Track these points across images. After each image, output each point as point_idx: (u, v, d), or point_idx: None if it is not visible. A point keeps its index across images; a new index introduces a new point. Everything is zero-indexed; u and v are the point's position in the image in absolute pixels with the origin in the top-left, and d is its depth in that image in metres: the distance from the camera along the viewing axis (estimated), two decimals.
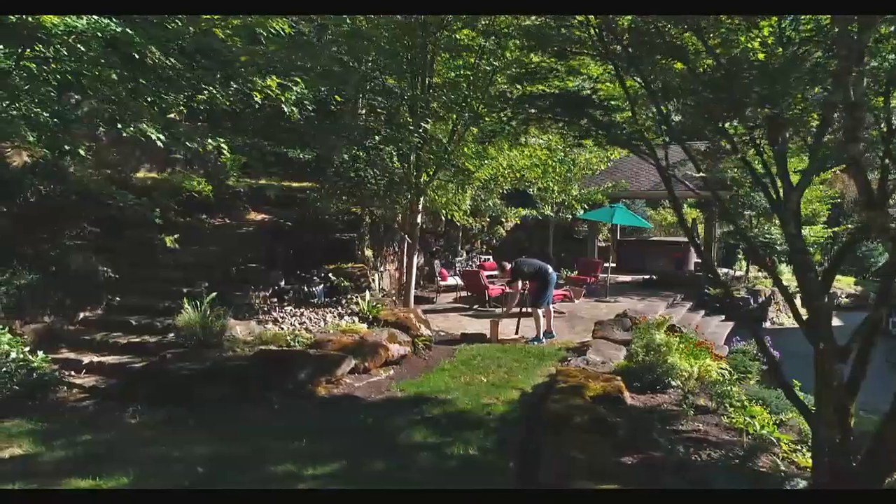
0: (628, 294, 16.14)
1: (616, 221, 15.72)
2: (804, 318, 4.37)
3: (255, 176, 14.67)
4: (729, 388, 6.18)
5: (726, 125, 5.27)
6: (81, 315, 8.69)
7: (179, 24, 5.95)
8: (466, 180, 10.99)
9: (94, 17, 5.38)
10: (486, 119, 9.54)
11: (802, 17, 4.62)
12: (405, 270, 14.16)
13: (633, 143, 5.02)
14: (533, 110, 5.06)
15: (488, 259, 17.55)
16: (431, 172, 10.63)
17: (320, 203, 11.77)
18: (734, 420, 5.70)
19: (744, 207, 17.24)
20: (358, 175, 10.86)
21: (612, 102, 5.28)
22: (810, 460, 4.97)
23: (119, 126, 6.73)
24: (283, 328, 8.39)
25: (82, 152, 6.44)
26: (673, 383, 6.84)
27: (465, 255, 17.91)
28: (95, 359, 7.61)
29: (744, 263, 20.69)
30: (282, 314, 9.07)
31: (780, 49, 4.56)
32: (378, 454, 5.26)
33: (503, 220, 18.08)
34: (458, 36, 9.91)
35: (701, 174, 5.25)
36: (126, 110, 6.88)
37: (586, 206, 18.26)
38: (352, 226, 12.37)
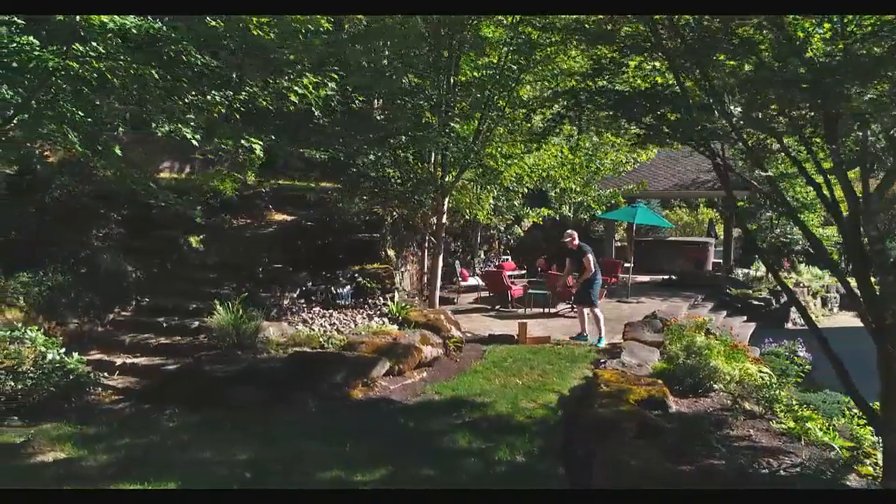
0: (649, 294, 16.00)
1: (638, 221, 15.60)
2: (869, 320, 4.24)
3: (272, 176, 14.66)
4: (777, 392, 6.05)
5: (781, 121, 5.17)
6: (111, 316, 8.66)
7: (221, 23, 5.88)
8: (494, 180, 10.88)
9: (130, 16, 5.34)
10: (522, 120, 9.41)
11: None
12: (426, 271, 14.10)
13: (701, 141, 4.89)
14: (602, 111, 4.93)
15: (507, 259, 17.46)
16: (456, 173, 10.55)
17: (342, 203, 11.71)
18: (787, 426, 5.58)
19: (766, 208, 17.06)
20: (384, 175, 10.79)
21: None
22: (870, 468, 4.87)
23: (154, 126, 6.69)
24: (313, 329, 8.33)
25: (118, 151, 6.39)
26: (715, 387, 6.71)
27: (482, 255, 17.82)
28: (128, 360, 7.57)
29: (759, 264, 20.51)
30: (310, 315, 9.01)
31: (842, 44, 4.44)
32: (424, 459, 5.17)
33: (521, 220, 17.98)
34: (484, 33, 9.81)
35: (766, 174, 5.09)
36: (161, 110, 6.84)
37: (605, 207, 18.17)
38: (374, 226, 12.29)
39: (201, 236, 10.88)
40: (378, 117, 10.60)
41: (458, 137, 10.03)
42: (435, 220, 12.40)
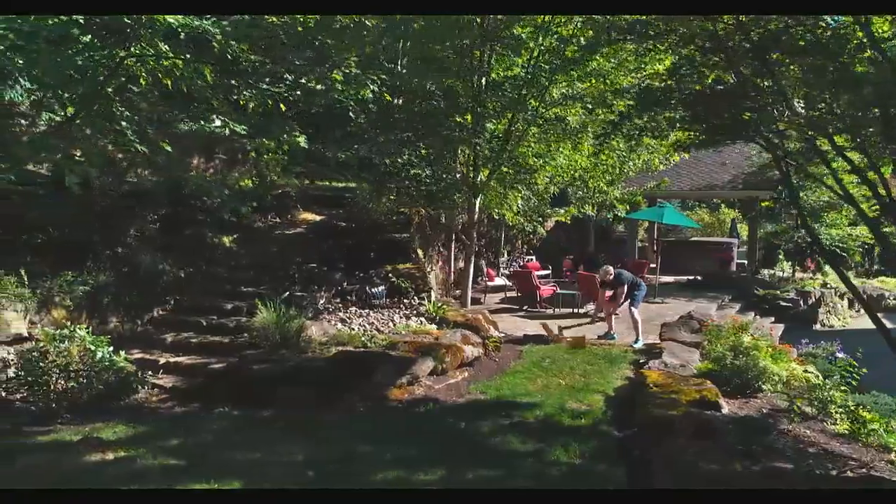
0: (675, 295, 15.90)
1: (666, 221, 15.49)
2: None
3: (300, 175, 14.71)
4: (831, 392, 5.99)
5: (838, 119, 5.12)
6: (150, 315, 8.70)
7: (275, 19, 5.90)
8: (528, 179, 10.85)
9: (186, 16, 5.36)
10: (555, 120, 9.38)
11: None
12: (454, 270, 14.10)
13: (772, 139, 4.86)
14: (673, 111, 4.91)
15: (531, 259, 17.41)
16: (487, 172, 10.54)
17: (371, 203, 11.73)
18: (843, 428, 5.52)
19: (790, 207, 16.91)
20: (415, 175, 10.79)
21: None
22: None
23: (202, 123, 6.71)
24: (353, 329, 8.34)
25: (168, 148, 6.42)
26: (764, 387, 6.66)
27: (505, 255, 17.78)
28: (171, 359, 7.61)
29: (785, 264, 20.35)
30: (347, 315, 9.02)
31: None
32: (480, 461, 5.15)
33: (545, 220, 17.93)
34: (515, 31, 9.78)
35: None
36: (210, 107, 6.89)
37: (628, 206, 18.08)
38: (402, 226, 12.29)
39: (234, 236, 10.93)
40: (413, 113, 10.55)
41: (491, 136, 10.02)
42: (465, 220, 12.41)
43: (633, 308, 9.82)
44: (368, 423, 6.10)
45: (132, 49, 4.99)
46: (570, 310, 12.97)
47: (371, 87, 7.34)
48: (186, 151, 13.18)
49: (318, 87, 6.77)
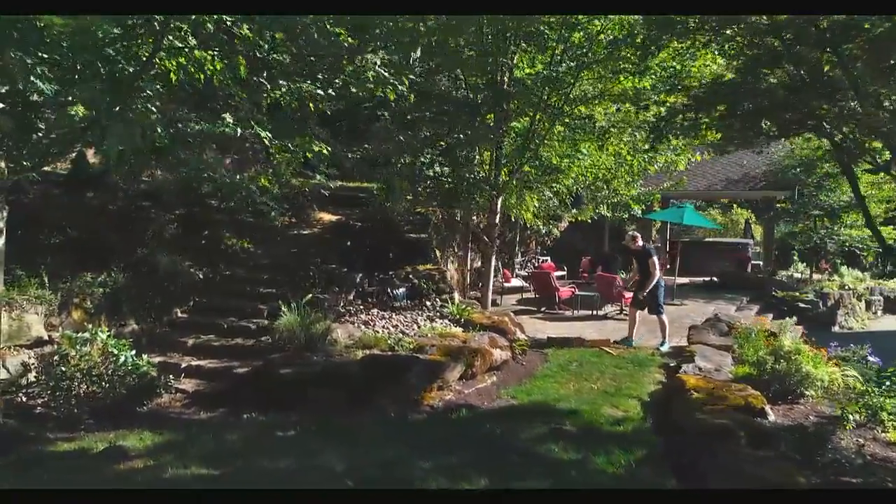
0: (692, 297, 15.74)
1: (687, 222, 15.32)
2: None
3: (310, 176, 14.52)
4: (882, 399, 5.79)
5: None
6: (170, 317, 8.52)
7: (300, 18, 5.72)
8: (552, 179, 10.66)
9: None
10: (584, 118, 9.16)
11: None
12: (470, 271, 13.91)
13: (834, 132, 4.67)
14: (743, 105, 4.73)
15: (546, 260, 17.23)
16: (508, 171, 10.36)
17: (390, 203, 11.54)
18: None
19: (810, 207, 16.72)
20: (435, 174, 10.61)
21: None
22: None
23: (222, 123, 6.54)
24: (377, 331, 8.14)
25: (182, 150, 6.24)
26: (807, 393, 6.46)
27: (519, 256, 17.60)
28: (193, 362, 7.43)
29: (800, 265, 20.14)
30: (370, 317, 8.83)
31: None
32: (525, 470, 4.96)
33: (559, 220, 17.75)
34: (540, 27, 9.57)
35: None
36: (233, 107, 6.71)
37: (643, 206, 17.88)
38: (420, 226, 12.12)
39: (251, 236, 10.76)
40: (434, 111, 10.34)
41: (516, 135, 9.83)
42: (485, 220, 12.22)
43: (659, 313, 9.57)
44: (404, 428, 5.91)
45: (164, 42, 4.81)
46: (590, 311, 12.79)
47: (400, 87, 7.12)
48: (201, 150, 13.07)
49: (352, 89, 6.57)
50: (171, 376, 7.02)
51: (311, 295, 7.92)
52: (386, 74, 6.45)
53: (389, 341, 7.50)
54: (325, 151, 7.14)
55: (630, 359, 8.76)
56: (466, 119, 9.93)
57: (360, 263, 10.50)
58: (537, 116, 10.03)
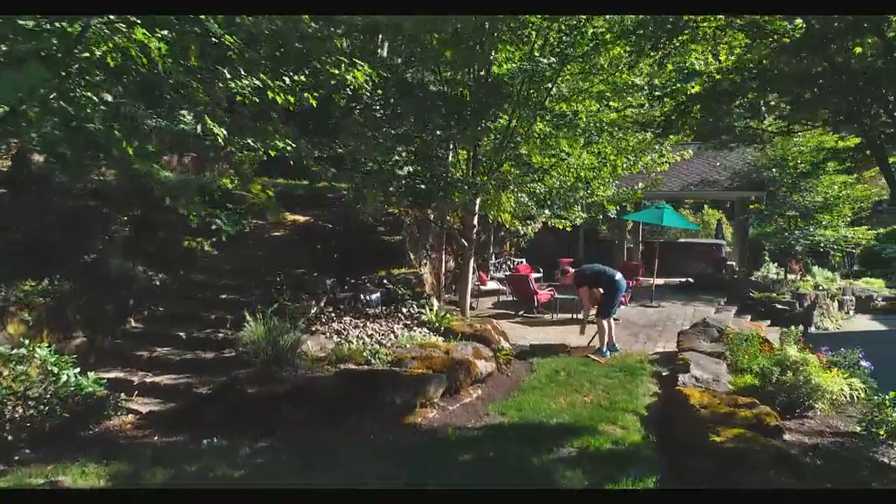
0: (668, 298, 15.47)
1: (666, 223, 14.99)
2: None
3: (272, 174, 13.79)
4: None
5: None
6: (122, 328, 7.75)
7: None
8: (532, 179, 10.17)
9: None
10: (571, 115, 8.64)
11: None
12: (444, 273, 13.36)
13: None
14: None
15: (521, 262, 16.76)
16: (487, 170, 9.83)
17: (360, 204, 10.90)
18: None
19: (785, 208, 16.61)
20: (408, 173, 10.00)
21: None
22: None
23: (185, 123, 5.85)
24: (351, 342, 7.52)
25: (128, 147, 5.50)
26: (816, 406, 6.08)
27: (494, 257, 17.10)
28: (147, 378, 6.71)
29: (771, 266, 20.11)
30: (342, 325, 8.19)
31: None
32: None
33: (534, 221, 17.29)
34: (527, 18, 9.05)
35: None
36: (184, 98, 6.03)
37: (617, 207, 17.55)
38: (393, 227, 11.53)
39: (213, 239, 10.01)
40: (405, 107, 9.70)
41: (494, 133, 9.30)
42: (459, 221, 11.69)
43: (605, 316, 9.08)
44: (386, 452, 5.32)
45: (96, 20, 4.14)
46: (570, 315, 12.34)
47: (368, 70, 6.50)
48: (156, 149, 12.21)
49: (320, 75, 5.94)
50: (122, 395, 6.30)
51: (277, 303, 7.24)
52: (355, 61, 5.85)
53: (365, 353, 6.89)
54: (288, 148, 6.47)
55: (620, 367, 8.32)
56: (443, 114, 9.34)
57: (331, 267, 9.88)
58: (516, 113, 9.51)
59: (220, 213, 7.32)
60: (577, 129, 9.14)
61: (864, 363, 8.37)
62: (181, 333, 7.50)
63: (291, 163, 6.83)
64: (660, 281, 18.02)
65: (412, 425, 5.90)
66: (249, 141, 6.76)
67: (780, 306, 15.33)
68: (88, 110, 4.91)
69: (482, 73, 9.84)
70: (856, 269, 24.67)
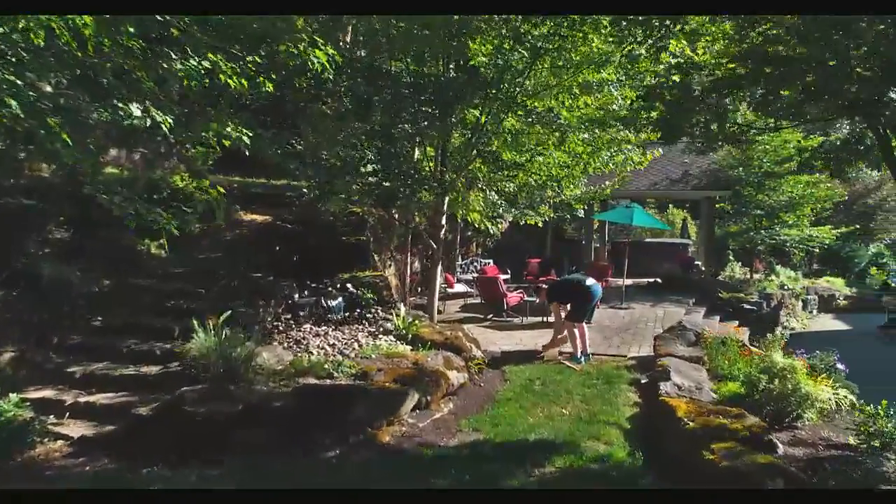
0: (637, 299, 15.23)
1: (637, 223, 14.73)
2: None
3: (228, 172, 13.05)
4: None
5: None
6: (57, 340, 6.99)
7: None
8: (506, 177, 9.72)
9: None
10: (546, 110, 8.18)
11: None
12: (409, 276, 12.84)
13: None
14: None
15: (489, 263, 16.33)
16: (456, 168, 9.35)
17: (321, 203, 10.29)
18: None
19: (751, 207, 16.58)
20: (373, 171, 9.44)
21: None
22: None
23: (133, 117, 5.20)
24: (311, 353, 6.94)
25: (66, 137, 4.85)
26: (805, 416, 5.76)
27: (460, 258, 16.64)
28: (81, 398, 6.01)
29: (735, 265, 20.17)
30: (302, 334, 7.61)
31: None
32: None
33: (502, 220, 16.88)
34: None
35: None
36: (128, 86, 5.38)
37: (585, 206, 17.28)
38: (357, 228, 10.95)
39: (161, 240, 9.30)
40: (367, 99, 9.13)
41: (463, 128, 8.82)
42: (425, 221, 11.19)
43: (578, 325, 8.75)
44: (351, 477, 4.78)
45: None
46: (540, 318, 11.95)
47: (327, 50, 5.92)
48: (101, 142, 11.37)
49: (280, 55, 5.37)
50: (50, 419, 5.62)
51: (229, 311, 6.61)
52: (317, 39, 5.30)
53: (327, 365, 6.32)
54: (244, 138, 5.84)
55: (596, 375, 7.94)
56: (416, 104, 8.78)
57: (291, 270, 9.26)
58: (486, 107, 9.04)
59: (165, 212, 6.63)
60: (552, 126, 8.72)
61: (840, 366, 8.16)
62: (123, 346, 6.81)
63: (247, 153, 6.16)
64: (628, 281, 17.88)
65: (379, 445, 5.37)
66: (202, 133, 6.11)
67: (748, 307, 15.27)
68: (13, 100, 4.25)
69: (452, 65, 9.37)
70: (815, 267, 25.05)
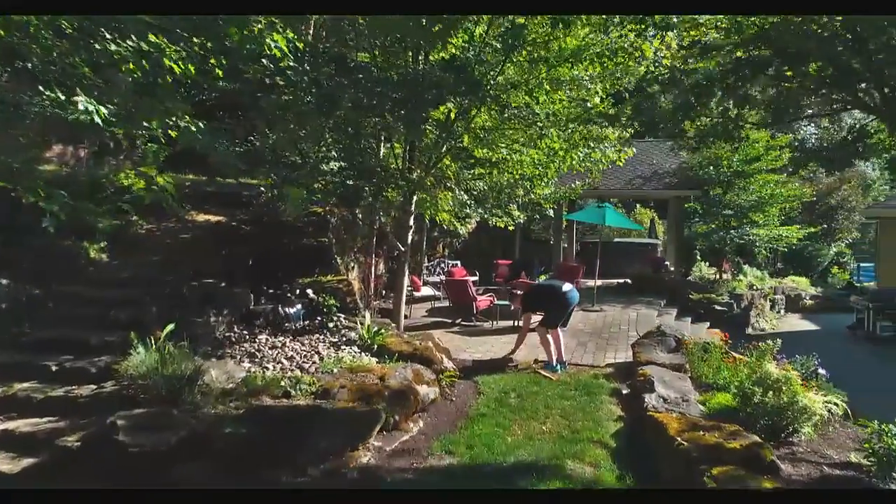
0: (608, 301, 14.92)
1: (609, 223, 14.39)
2: None
3: (182, 170, 12.26)
4: None
5: None
6: None
7: None
8: (485, 174, 9.21)
9: None
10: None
11: None
12: (374, 279, 12.24)
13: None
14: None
15: (456, 265, 15.81)
16: (426, 166, 8.80)
17: (281, 202, 9.62)
18: None
19: (720, 207, 16.43)
20: (340, 169, 8.83)
21: None
22: None
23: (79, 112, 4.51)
24: (267, 368, 6.30)
25: None
26: (802, 430, 5.37)
27: (426, 260, 16.09)
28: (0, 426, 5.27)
29: (703, 265, 20.08)
30: (257, 346, 6.96)
31: None
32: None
33: (468, 221, 16.38)
34: None
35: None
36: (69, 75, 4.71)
37: (554, 206, 16.91)
38: (319, 229, 10.31)
39: (102, 243, 8.52)
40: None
41: (433, 124, 8.26)
42: (392, 221, 10.62)
43: (553, 330, 8.35)
44: None
45: None
46: (511, 323, 11.48)
47: (287, 34, 5.32)
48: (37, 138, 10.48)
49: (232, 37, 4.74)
50: None
51: (174, 324, 5.94)
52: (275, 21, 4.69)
53: (284, 383, 5.70)
54: (193, 128, 5.18)
55: (574, 385, 7.49)
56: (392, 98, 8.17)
57: (246, 275, 8.58)
58: (458, 102, 8.49)
59: (100, 210, 5.94)
60: (527, 121, 8.23)
61: (821, 371, 7.88)
62: (51, 363, 6.05)
63: (196, 148, 5.50)
64: (600, 282, 17.58)
65: (342, 476, 4.78)
66: (143, 123, 5.41)
67: (718, 307, 15.11)
68: None
69: (421, 57, 8.79)
70: (779, 266, 25.23)
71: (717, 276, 17.74)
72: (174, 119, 5.26)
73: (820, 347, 8.11)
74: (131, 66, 4.78)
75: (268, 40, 5.00)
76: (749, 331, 15.72)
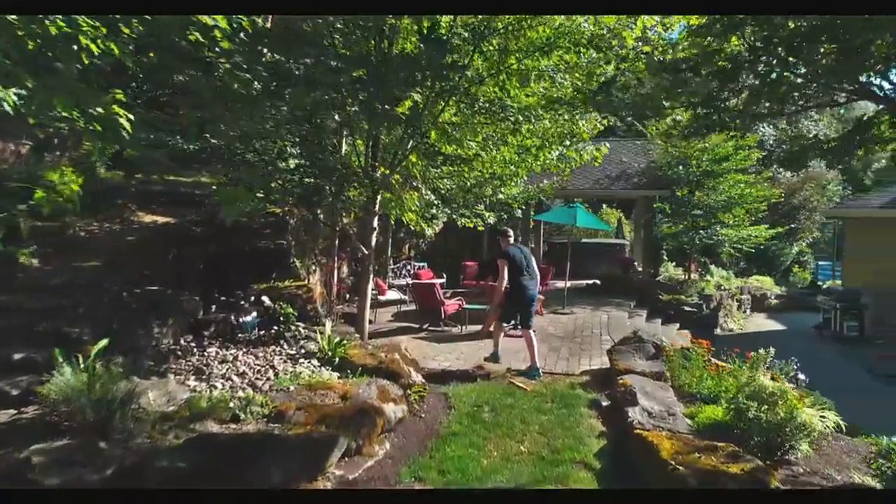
0: (578, 303, 14.60)
1: (579, 224, 14.02)
2: None
3: (130, 168, 11.44)
4: None
5: None
6: None
7: None
8: (454, 173, 8.68)
9: None
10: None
11: None
12: (336, 283, 11.63)
13: None
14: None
15: (423, 267, 15.27)
16: (390, 163, 8.23)
17: (241, 202, 8.91)
18: None
19: (690, 207, 16.24)
20: (297, 167, 8.19)
21: None
22: None
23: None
24: (215, 386, 5.66)
25: None
26: (799, 447, 5.00)
27: (392, 262, 15.50)
28: None
29: (670, 266, 19.95)
30: (205, 360, 6.31)
31: None
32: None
33: (436, 221, 15.84)
34: None
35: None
36: None
37: (522, 205, 16.50)
38: (276, 230, 9.66)
39: (33, 247, 7.73)
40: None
41: (399, 118, 7.68)
42: (354, 222, 10.03)
43: (528, 330, 8.00)
44: None
45: None
46: (481, 327, 11.00)
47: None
48: None
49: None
50: None
51: (106, 340, 5.27)
52: None
53: (233, 404, 5.07)
54: (123, 120, 4.51)
55: (550, 396, 7.04)
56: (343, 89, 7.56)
57: (196, 281, 7.92)
58: (424, 95, 7.95)
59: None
60: (498, 116, 7.72)
61: (801, 376, 7.60)
62: None
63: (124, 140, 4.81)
64: (568, 284, 17.24)
65: None
66: (42, 107, 4.69)
67: (688, 309, 14.92)
68: None
69: (384, 45, 8.21)
70: (742, 266, 25.37)
71: (686, 277, 17.59)
72: (96, 109, 4.55)
73: (788, 348, 7.94)
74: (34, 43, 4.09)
75: (205, 18, 4.37)
76: (718, 332, 15.58)
